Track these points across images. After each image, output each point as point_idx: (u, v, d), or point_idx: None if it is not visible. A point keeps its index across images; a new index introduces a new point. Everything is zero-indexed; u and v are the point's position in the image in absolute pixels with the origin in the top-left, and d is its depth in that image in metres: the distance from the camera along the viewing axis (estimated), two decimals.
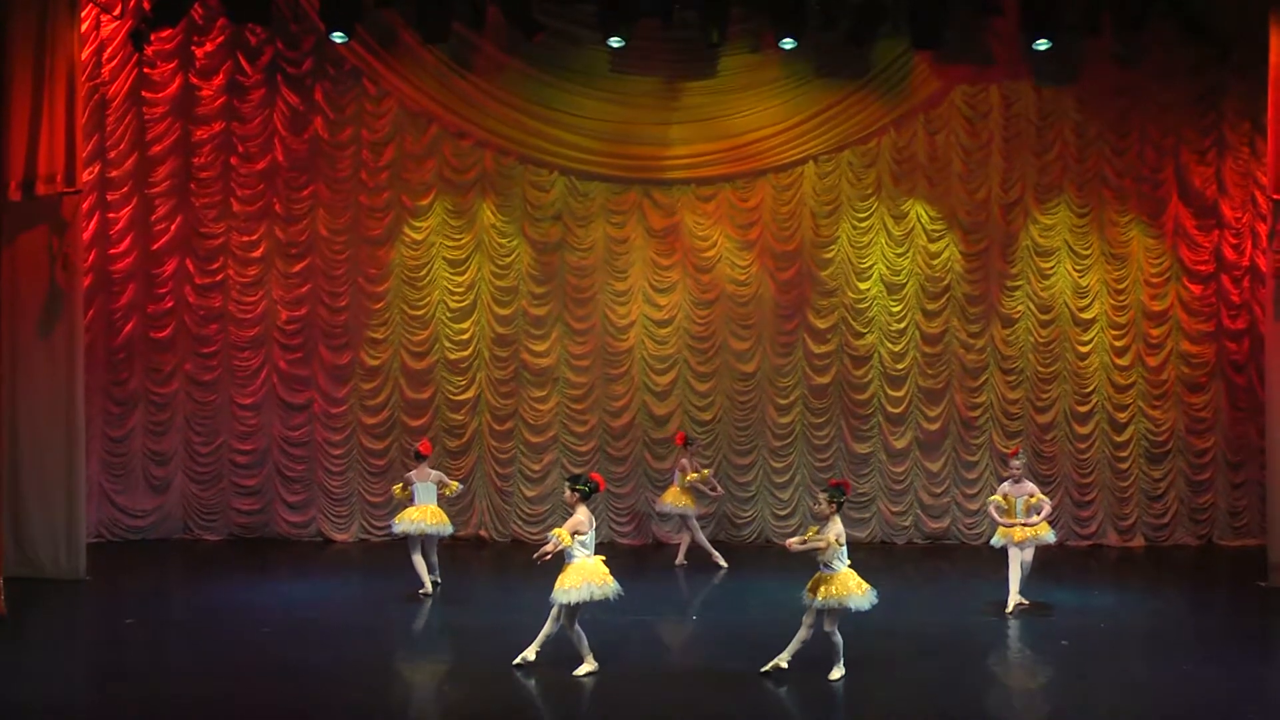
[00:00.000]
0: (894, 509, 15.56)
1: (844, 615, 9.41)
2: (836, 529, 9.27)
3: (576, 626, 9.48)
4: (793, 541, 9.41)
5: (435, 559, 12.39)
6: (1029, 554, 11.84)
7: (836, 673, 9.45)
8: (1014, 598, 11.71)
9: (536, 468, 15.40)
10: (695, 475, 13.93)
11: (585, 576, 9.33)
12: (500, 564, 13.80)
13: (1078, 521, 15.55)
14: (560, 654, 9.70)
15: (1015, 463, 12.06)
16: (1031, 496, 11.87)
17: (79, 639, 11.22)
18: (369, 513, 15.22)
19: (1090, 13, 14.00)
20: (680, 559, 14.09)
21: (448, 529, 12.37)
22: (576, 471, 15.25)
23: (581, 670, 9.48)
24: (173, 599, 12.60)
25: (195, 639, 10.65)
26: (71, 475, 13.07)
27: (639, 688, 9.27)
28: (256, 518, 15.24)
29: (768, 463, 15.52)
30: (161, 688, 9.24)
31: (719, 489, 14.55)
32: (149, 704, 8.87)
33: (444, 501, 12.41)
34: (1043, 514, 11.84)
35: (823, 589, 9.32)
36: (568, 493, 9.54)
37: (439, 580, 12.40)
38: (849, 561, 9.46)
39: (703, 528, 14.40)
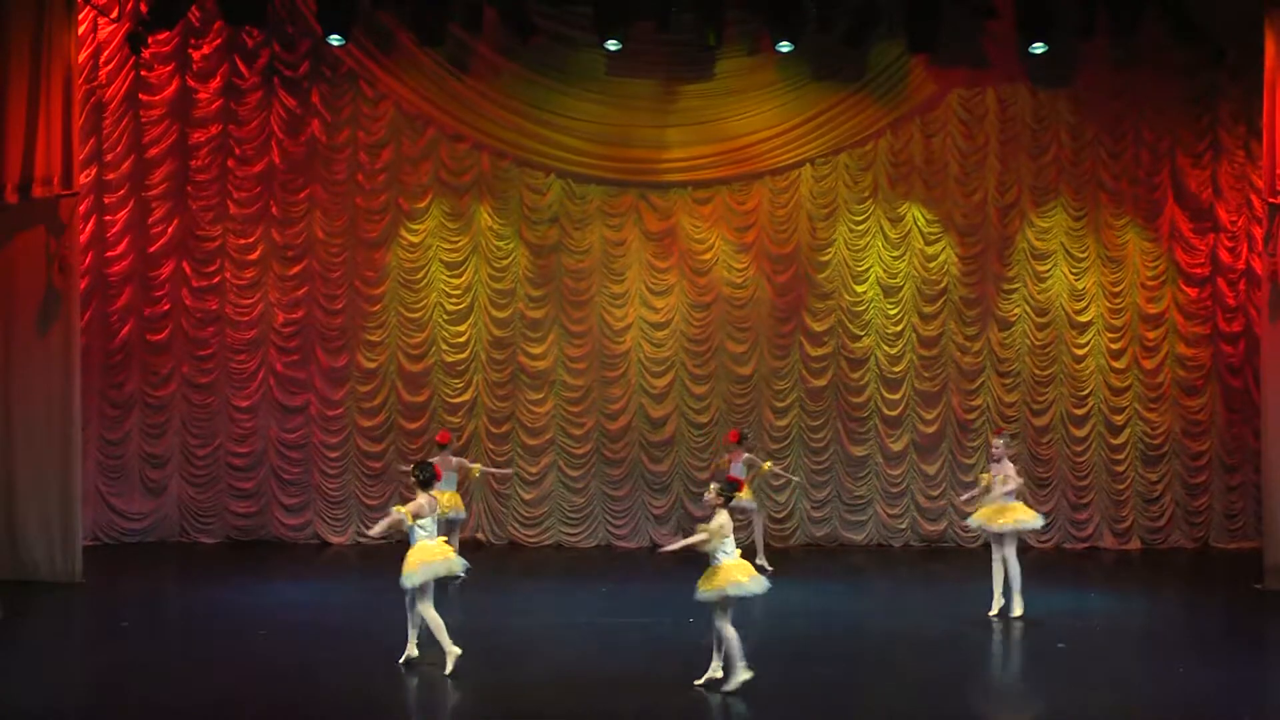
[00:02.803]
0: (890, 511, 15.58)
1: (735, 607, 9.15)
2: (720, 519, 9.16)
3: (419, 611, 9.63)
4: (668, 549, 9.33)
5: (455, 544, 12.53)
6: (1011, 550, 11.44)
7: (733, 680, 9.04)
8: (998, 600, 11.50)
9: (534, 470, 15.40)
10: (769, 465, 13.92)
11: (422, 558, 9.54)
12: (497, 566, 13.79)
13: (1074, 524, 15.56)
14: (562, 654, 9.71)
15: (997, 441, 11.79)
16: (1002, 475, 11.48)
17: (75, 642, 11.21)
18: (365, 515, 15.18)
19: (1085, 16, 14.02)
20: (761, 559, 13.70)
21: (462, 514, 13.34)
22: (574, 474, 15.43)
23: (403, 658, 9.69)
24: (169, 602, 12.58)
25: (191, 642, 10.64)
26: (67, 478, 13.05)
27: (635, 691, 9.26)
28: (253, 520, 15.23)
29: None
30: (158, 690, 9.22)
31: (788, 475, 14.56)
32: (145, 707, 8.86)
33: (466, 488, 13.24)
34: (1006, 486, 11.39)
35: (703, 583, 9.15)
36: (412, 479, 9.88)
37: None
38: (738, 552, 9.30)
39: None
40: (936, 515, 15.57)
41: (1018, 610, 11.44)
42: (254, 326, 15.24)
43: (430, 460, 10.30)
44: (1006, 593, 11.52)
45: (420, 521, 9.61)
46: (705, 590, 9.10)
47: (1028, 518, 11.54)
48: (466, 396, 15.39)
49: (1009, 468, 11.59)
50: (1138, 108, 15.37)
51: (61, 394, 13.00)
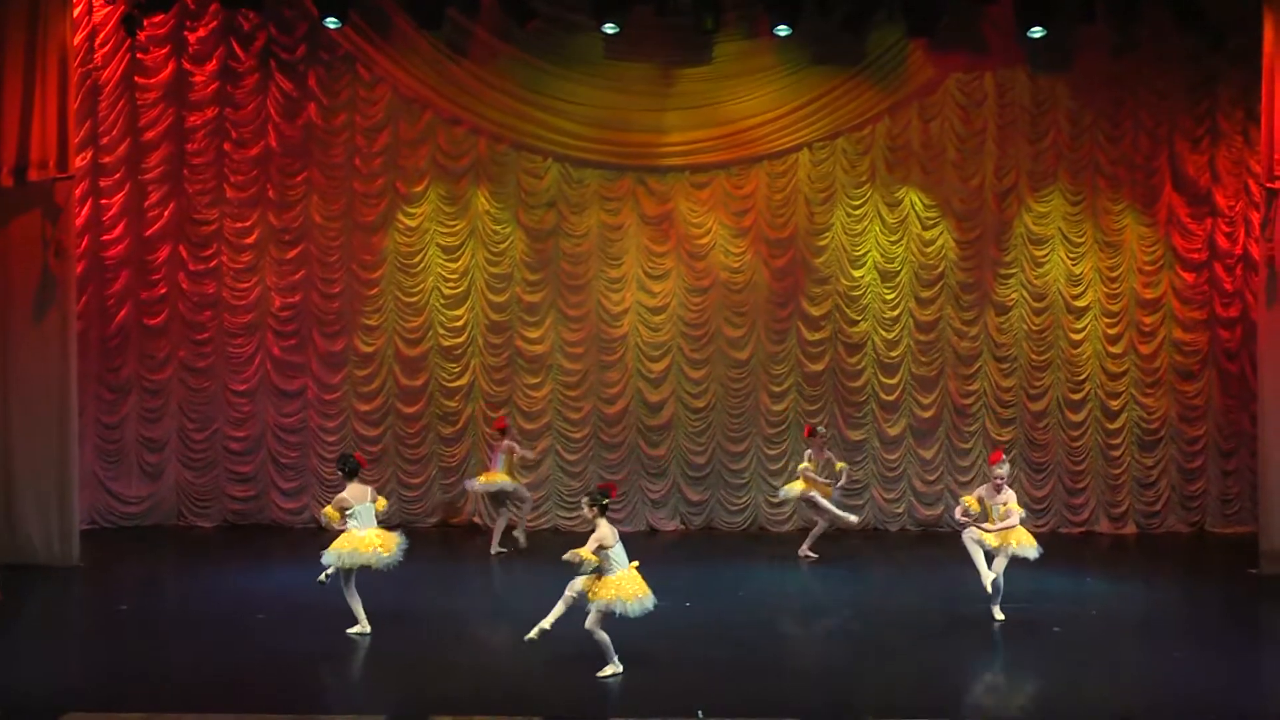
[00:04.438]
0: (887, 496, 15.61)
1: (611, 616, 9.06)
2: (600, 535, 8.93)
3: (353, 589, 10.14)
4: (568, 558, 9.07)
5: (518, 513, 13.99)
6: (1000, 564, 10.85)
7: (609, 669, 9.16)
8: (990, 584, 10.82)
9: (531, 455, 15.39)
10: (842, 465, 13.65)
11: (350, 545, 9.99)
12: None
13: (1070, 509, 15.61)
14: (558, 637, 9.73)
15: (999, 470, 10.87)
16: (1005, 504, 10.76)
17: (72, 626, 11.22)
18: None
19: (1085, 1, 13.98)
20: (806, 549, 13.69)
21: (515, 485, 13.98)
22: (572, 458, 15.43)
23: (355, 630, 10.12)
24: (166, 586, 12.60)
25: (189, 625, 10.66)
26: (65, 462, 13.06)
27: (632, 675, 9.29)
28: (250, 504, 15.24)
29: (761, 450, 15.54)
30: (155, 674, 9.25)
31: (841, 481, 13.78)
32: (143, 690, 8.87)
33: (519, 466, 14.04)
34: (1008, 521, 10.70)
35: (595, 588, 9.06)
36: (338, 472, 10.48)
37: (524, 542, 13.84)
38: (633, 564, 9.14)
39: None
40: (933, 500, 15.60)
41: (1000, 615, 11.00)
42: (251, 310, 15.22)
43: (351, 453, 10.77)
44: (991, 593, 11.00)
45: (350, 512, 10.05)
46: (594, 599, 9.05)
47: (1021, 543, 10.84)
48: (464, 381, 15.39)
49: (1008, 494, 10.84)
50: (1136, 93, 15.35)
51: (58, 378, 13.00)
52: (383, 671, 9.57)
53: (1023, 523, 10.95)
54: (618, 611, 8.98)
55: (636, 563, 9.18)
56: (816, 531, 13.79)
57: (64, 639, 10.57)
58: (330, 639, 10.15)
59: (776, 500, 15.38)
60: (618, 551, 9.05)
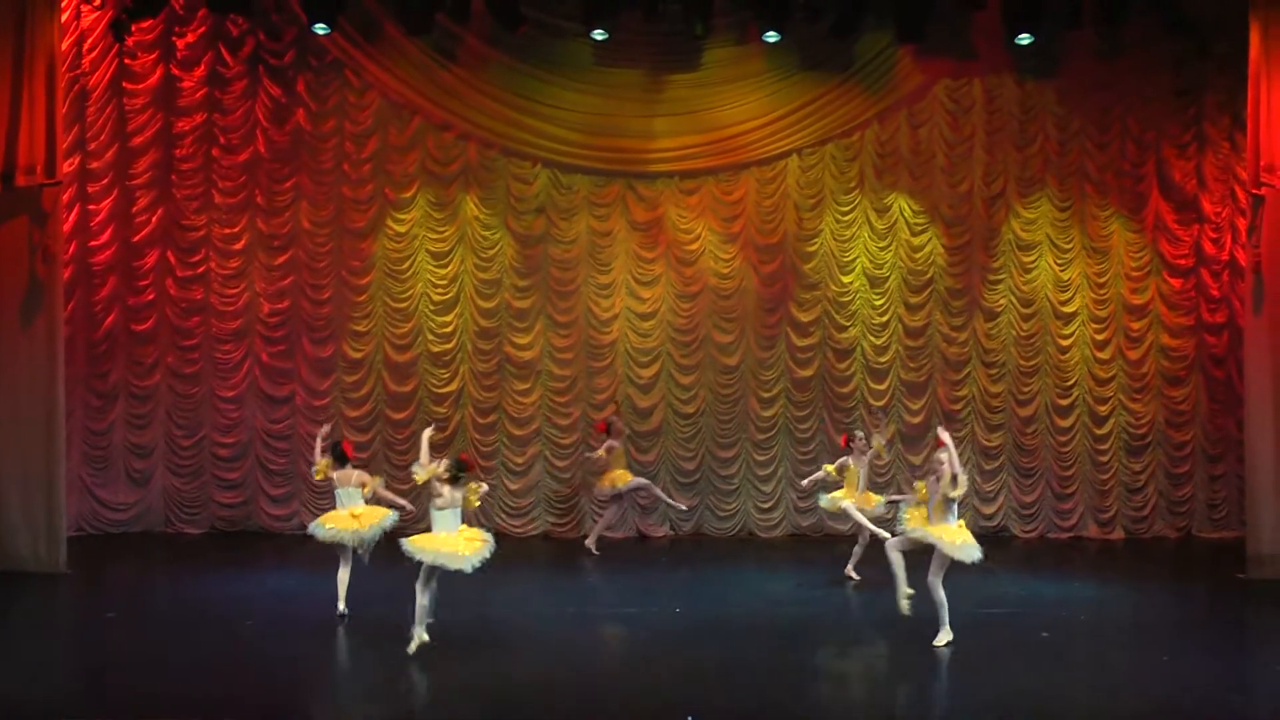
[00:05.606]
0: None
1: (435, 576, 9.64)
2: (440, 489, 9.48)
3: (343, 568, 10.80)
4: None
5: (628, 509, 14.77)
6: (937, 565, 10.30)
7: (414, 642, 9.53)
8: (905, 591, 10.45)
9: (520, 460, 15.40)
10: (879, 442, 13.13)
11: (330, 519, 10.79)
12: None
13: (1058, 514, 15.64)
14: (549, 644, 9.72)
15: (940, 455, 10.17)
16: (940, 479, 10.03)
17: (59, 632, 11.16)
18: None
19: (1072, 7, 14.05)
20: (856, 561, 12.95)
21: (628, 484, 14.31)
22: (561, 464, 15.42)
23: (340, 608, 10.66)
24: (154, 592, 12.52)
25: (177, 632, 10.60)
26: (52, 468, 13.00)
27: (623, 680, 9.29)
28: (238, 511, 15.20)
29: (750, 455, 15.55)
30: (143, 681, 9.20)
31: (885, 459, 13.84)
32: (130, 698, 8.83)
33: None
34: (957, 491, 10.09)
35: (414, 538, 9.61)
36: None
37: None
38: (464, 533, 9.65)
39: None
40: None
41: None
42: (239, 316, 15.18)
43: (340, 442, 11.19)
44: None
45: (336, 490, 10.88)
46: (410, 545, 9.53)
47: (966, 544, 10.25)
48: (453, 387, 15.37)
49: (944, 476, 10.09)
50: (1124, 99, 15.42)
51: (45, 384, 12.94)
52: (374, 677, 9.54)
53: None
54: (416, 558, 9.45)
55: (462, 528, 9.62)
56: (859, 549, 12.95)
57: (51, 646, 10.51)
58: (320, 645, 10.13)
59: (765, 506, 15.45)
60: (446, 516, 9.54)
